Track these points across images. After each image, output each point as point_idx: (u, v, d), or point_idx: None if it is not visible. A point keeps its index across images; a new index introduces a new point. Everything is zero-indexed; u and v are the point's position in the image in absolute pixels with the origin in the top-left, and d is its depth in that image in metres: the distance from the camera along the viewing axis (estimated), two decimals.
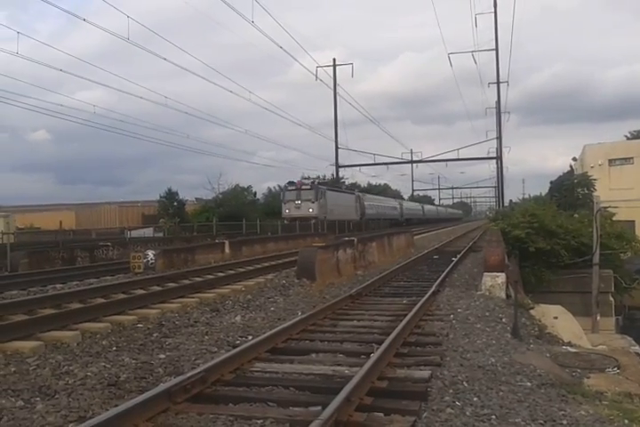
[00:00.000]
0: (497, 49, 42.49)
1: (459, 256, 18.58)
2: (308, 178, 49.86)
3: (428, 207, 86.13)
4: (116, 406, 4.20)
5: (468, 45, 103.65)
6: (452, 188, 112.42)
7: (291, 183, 38.62)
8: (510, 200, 55.90)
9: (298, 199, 36.97)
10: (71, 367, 5.54)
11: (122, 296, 10.05)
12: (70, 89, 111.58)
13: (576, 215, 30.54)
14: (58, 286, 12.12)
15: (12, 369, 5.50)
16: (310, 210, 36.54)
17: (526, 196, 61.95)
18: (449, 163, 55.09)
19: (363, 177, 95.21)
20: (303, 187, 37.85)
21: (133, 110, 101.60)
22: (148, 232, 32.12)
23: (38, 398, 4.62)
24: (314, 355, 6.10)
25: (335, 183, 54.09)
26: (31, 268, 15.46)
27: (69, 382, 5.06)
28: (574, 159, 59.82)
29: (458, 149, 49.05)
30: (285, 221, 36.67)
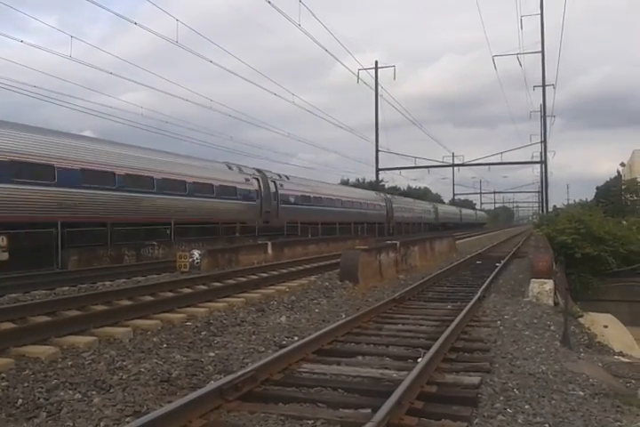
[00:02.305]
0: (543, 51, 41.66)
1: (503, 262, 18.29)
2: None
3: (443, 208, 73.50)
4: (170, 402, 4.29)
5: (513, 47, 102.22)
6: (495, 192, 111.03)
7: None
8: (554, 206, 54.75)
9: None
10: (125, 363, 5.68)
11: (170, 295, 10.25)
12: (117, 91, 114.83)
13: (624, 222, 29.80)
14: (107, 283, 12.43)
15: (69, 363, 5.67)
16: None
17: (571, 201, 60.69)
18: (492, 167, 54.25)
19: (403, 180, 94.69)
20: None
21: (178, 112, 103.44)
22: None
23: (94, 392, 4.75)
24: (360, 357, 6.10)
25: (375, 186, 53.91)
26: (80, 265, 15.90)
27: (123, 377, 5.18)
28: (622, 164, 58.39)
29: (501, 153, 48.29)
30: None
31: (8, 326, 7.12)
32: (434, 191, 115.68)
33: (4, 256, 16.83)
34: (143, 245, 18.89)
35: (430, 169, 56.69)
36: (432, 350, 5.74)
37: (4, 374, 5.18)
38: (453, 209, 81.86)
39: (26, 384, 4.93)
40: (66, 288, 11.42)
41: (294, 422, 4.10)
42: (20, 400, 4.52)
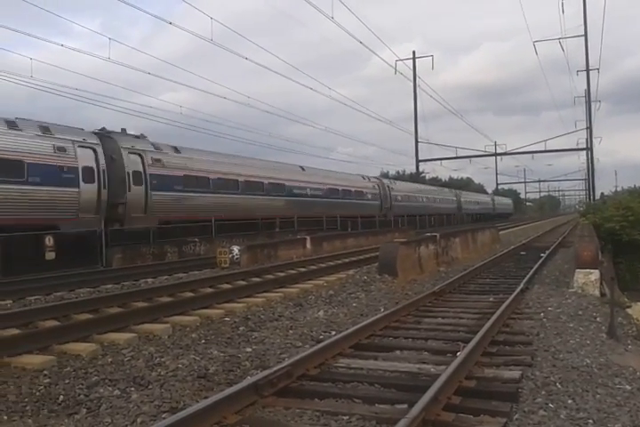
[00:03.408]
0: (586, 35, 40.43)
1: (547, 252, 17.86)
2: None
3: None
4: (206, 397, 4.31)
5: (554, 32, 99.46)
6: (539, 181, 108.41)
7: None
8: (602, 193, 53.17)
9: None
10: (163, 359, 5.75)
11: (209, 290, 10.37)
12: (157, 91, 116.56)
13: None
14: (149, 280, 12.65)
15: (109, 360, 5.78)
16: None
17: (619, 188, 58.73)
18: (535, 155, 53.08)
19: (444, 171, 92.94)
20: None
21: (218, 110, 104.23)
22: None
23: (133, 388, 4.82)
24: (398, 352, 6.02)
25: (416, 178, 53.30)
26: (124, 263, 16.24)
27: (161, 373, 5.25)
28: None
29: (545, 141, 47.20)
30: None
31: (52, 323, 7.31)
32: (477, 181, 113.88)
33: (51, 256, 17.30)
34: (185, 241, 19.17)
35: (472, 159, 55.72)
36: (471, 344, 5.62)
37: (46, 371, 5.31)
38: (446, 194, 55.95)
39: (67, 381, 5.04)
40: (109, 286, 11.66)
41: (329, 417, 4.07)
42: (62, 397, 4.63)
